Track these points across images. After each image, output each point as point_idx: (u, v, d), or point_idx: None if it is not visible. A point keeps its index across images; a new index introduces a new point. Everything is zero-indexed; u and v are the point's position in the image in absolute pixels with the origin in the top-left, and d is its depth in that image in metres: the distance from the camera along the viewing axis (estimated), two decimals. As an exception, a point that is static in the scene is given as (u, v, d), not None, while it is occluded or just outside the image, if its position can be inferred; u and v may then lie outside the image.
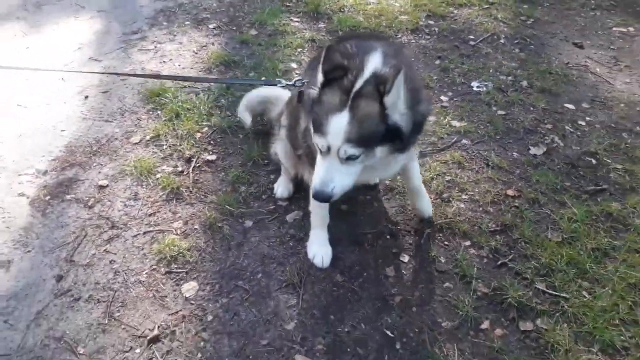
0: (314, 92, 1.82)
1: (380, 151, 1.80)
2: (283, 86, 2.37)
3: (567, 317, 2.17)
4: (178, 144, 3.16)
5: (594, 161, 3.07)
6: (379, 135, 1.73)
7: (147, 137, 3.22)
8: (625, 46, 4.30)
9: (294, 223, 2.67)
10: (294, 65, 3.87)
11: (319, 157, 1.83)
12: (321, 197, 1.80)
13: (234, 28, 4.44)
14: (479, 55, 4.11)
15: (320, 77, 1.76)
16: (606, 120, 3.42)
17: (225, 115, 3.39)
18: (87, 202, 2.78)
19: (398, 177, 2.83)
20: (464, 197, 2.82)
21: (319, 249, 2.45)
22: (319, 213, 2.45)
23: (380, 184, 2.86)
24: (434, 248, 2.53)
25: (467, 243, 2.56)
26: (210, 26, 4.46)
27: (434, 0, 4.86)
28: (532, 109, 3.50)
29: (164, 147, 3.14)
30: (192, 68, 3.90)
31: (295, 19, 4.56)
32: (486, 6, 4.83)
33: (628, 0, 5.05)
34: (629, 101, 3.60)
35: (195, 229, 2.64)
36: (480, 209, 2.75)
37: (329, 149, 1.74)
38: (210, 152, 3.12)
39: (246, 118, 3.12)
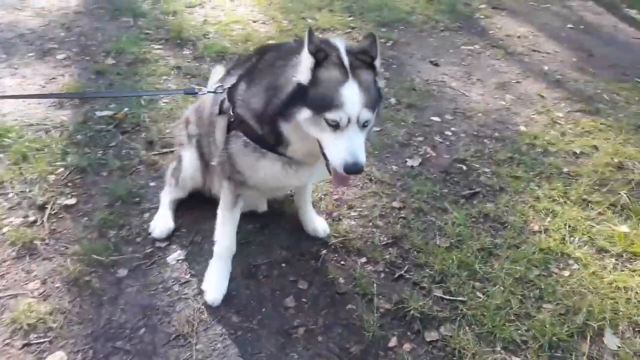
0: (302, 77, 1.78)
1: (374, 118, 1.86)
2: (203, 93, 2.25)
3: (468, 320, 2.19)
4: (27, 190, 2.69)
5: (464, 167, 3.25)
6: (377, 98, 1.84)
7: (-13, 187, 2.70)
8: (474, 62, 4.72)
9: (177, 265, 2.39)
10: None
11: (329, 136, 1.77)
12: (355, 168, 1.75)
13: (87, 58, 4.02)
14: (348, 75, 4.20)
15: (308, 59, 1.76)
16: (468, 129, 3.67)
17: (83, 153, 2.99)
18: None
19: (284, 202, 2.72)
20: (353, 214, 2.78)
21: (215, 284, 2.25)
22: (226, 238, 2.27)
23: (268, 210, 2.71)
24: (332, 270, 2.43)
25: (363, 260, 2.50)
26: (59, 57, 3.99)
27: (298, 26, 4.93)
28: (402, 123, 3.63)
29: (10, 195, 2.66)
30: (39, 102, 3.41)
31: (157, 47, 4.28)
32: (348, 30, 5.01)
33: (470, 22, 5.61)
34: (485, 110, 3.92)
35: (57, 287, 2.23)
36: (370, 224, 2.72)
37: (349, 120, 1.73)
38: (69, 196, 2.71)
39: None
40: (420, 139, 3.49)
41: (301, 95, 1.78)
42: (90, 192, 2.75)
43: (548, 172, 3.21)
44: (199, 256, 2.45)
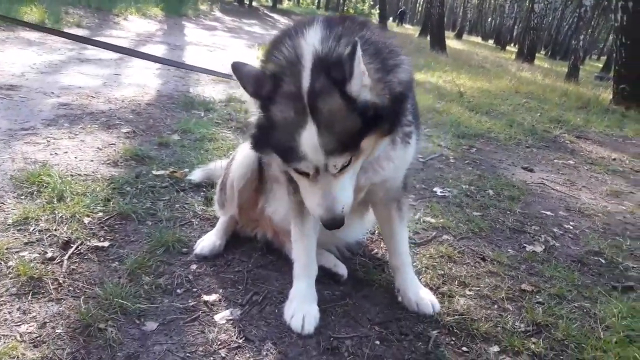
0: (255, 120, 1.44)
1: (367, 144, 1.39)
2: None
3: None
4: (54, 228, 2.16)
5: (602, 260, 2.50)
6: (357, 128, 1.33)
7: (9, 221, 2.18)
8: (573, 173, 4.16)
9: (227, 326, 1.68)
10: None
11: (304, 183, 1.46)
12: (334, 223, 1.42)
13: (152, 134, 3.77)
14: (433, 169, 3.71)
15: (253, 103, 1.40)
16: (592, 225, 2.97)
17: (129, 202, 2.49)
18: None
19: (370, 270, 2.04)
20: (468, 292, 2.03)
21: (299, 307, 1.70)
22: (303, 255, 1.81)
23: (347, 277, 2.01)
24: (451, 356, 1.63)
25: (495, 348, 1.69)
26: (123, 130, 3.74)
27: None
28: (508, 212, 2.98)
29: (32, 230, 2.12)
30: (92, 160, 3.04)
31: (227, 132, 4.03)
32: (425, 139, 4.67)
33: (556, 144, 5.20)
34: (605, 212, 3.24)
35: (57, 333, 1.55)
36: (495, 306, 1.95)
37: (317, 170, 1.38)
38: (102, 239, 2.14)
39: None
40: (536, 227, 2.80)
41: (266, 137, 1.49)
42: (128, 238, 2.18)
43: None
44: (258, 319, 1.73)
